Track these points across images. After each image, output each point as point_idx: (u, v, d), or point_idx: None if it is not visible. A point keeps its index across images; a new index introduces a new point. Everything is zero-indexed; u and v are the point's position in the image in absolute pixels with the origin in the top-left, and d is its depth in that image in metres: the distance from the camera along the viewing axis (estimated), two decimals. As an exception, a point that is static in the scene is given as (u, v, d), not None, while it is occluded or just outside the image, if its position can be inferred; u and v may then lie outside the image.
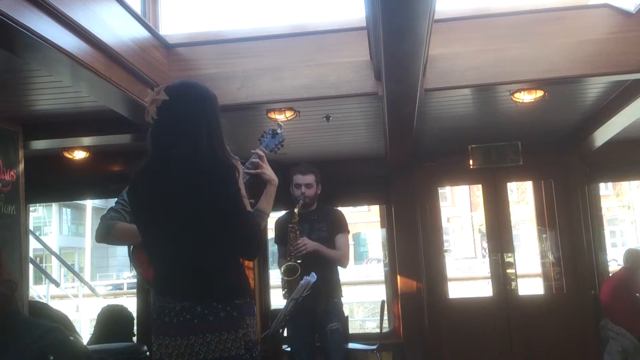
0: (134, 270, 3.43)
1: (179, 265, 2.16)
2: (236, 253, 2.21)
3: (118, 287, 24.01)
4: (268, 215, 2.75)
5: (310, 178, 4.51)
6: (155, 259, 2.27)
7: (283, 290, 4.36)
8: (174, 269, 2.17)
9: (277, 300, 4.85)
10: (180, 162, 2.14)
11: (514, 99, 4.46)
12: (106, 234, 3.28)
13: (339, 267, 4.54)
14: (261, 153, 2.77)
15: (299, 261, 4.26)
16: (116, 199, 3.42)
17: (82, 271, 24.99)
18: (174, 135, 2.19)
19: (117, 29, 3.53)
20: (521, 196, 26.71)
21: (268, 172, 2.74)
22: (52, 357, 1.18)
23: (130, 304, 6.92)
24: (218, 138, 2.22)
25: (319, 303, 4.26)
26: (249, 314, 2.16)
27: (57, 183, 6.30)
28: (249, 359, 2.11)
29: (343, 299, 4.62)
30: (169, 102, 2.19)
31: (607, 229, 23.51)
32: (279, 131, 3.05)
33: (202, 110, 2.23)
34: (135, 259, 3.35)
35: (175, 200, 2.14)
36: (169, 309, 2.11)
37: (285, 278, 4.30)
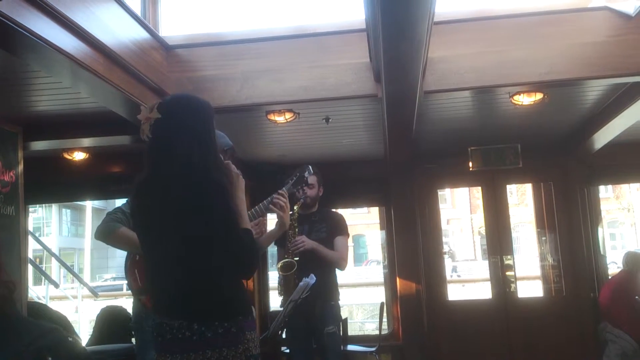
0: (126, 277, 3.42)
1: (174, 284, 2.15)
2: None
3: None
4: (262, 251, 2.84)
5: (312, 179, 4.50)
6: (152, 277, 2.27)
7: (279, 287, 4.36)
8: (169, 288, 2.16)
9: (276, 302, 4.85)
10: (174, 183, 2.13)
11: (513, 101, 4.47)
12: (106, 234, 3.26)
13: (336, 270, 4.54)
14: (285, 197, 2.92)
15: (297, 258, 4.26)
16: (126, 199, 3.38)
17: (81, 272, 24.96)
18: (168, 155, 2.17)
19: (116, 30, 3.53)
20: (521, 198, 26.74)
21: (286, 217, 2.93)
22: (50, 358, 1.18)
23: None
24: (211, 154, 2.20)
25: (316, 305, 4.26)
26: (249, 328, 2.14)
27: (57, 184, 6.30)
28: None
29: (342, 301, 4.62)
30: (162, 120, 2.18)
31: (607, 232, 23.52)
32: (306, 176, 3.19)
33: (194, 126, 2.20)
34: (128, 267, 3.34)
35: (169, 220, 2.13)
36: (170, 326, 2.10)
37: (281, 273, 4.31)
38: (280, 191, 3.05)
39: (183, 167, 2.12)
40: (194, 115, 2.23)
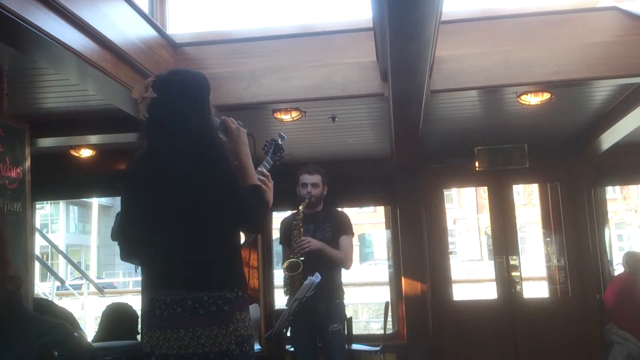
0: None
1: (172, 255, 2.17)
2: (233, 243, 2.24)
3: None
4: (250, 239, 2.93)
5: (316, 178, 4.50)
6: (147, 252, 2.27)
7: (284, 286, 4.37)
8: (166, 259, 2.18)
9: (281, 300, 4.86)
10: (174, 159, 2.19)
11: (520, 101, 4.46)
12: None
13: (342, 269, 4.54)
14: (266, 172, 2.87)
15: (302, 258, 4.27)
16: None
17: (88, 269, 25.11)
18: (166, 133, 2.22)
19: (124, 28, 3.55)
20: (528, 198, 26.62)
21: (269, 193, 2.87)
22: (56, 353, 1.18)
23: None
24: (207, 127, 2.25)
25: (320, 304, 4.27)
26: (241, 308, 2.16)
27: (64, 181, 6.32)
28: (239, 353, 2.10)
29: (347, 300, 4.63)
30: (158, 99, 2.22)
31: (614, 233, 23.40)
32: (279, 142, 3.18)
33: (189, 102, 2.24)
34: None
35: (171, 195, 2.17)
36: (160, 301, 2.12)
37: (287, 273, 4.32)
38: (259, 169, 3.06)
39: (181, 142, 2.19)
40: (187, 91, 2.27)
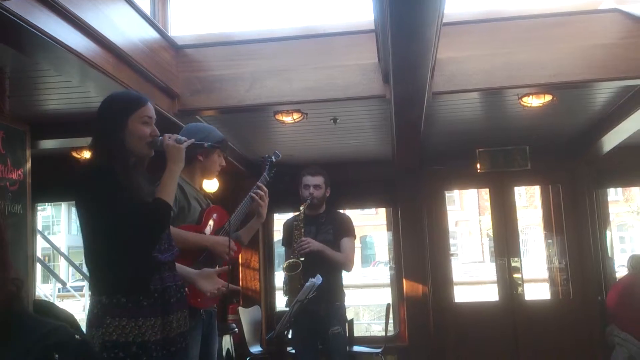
0: None
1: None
2: (120, 251, 2.25)
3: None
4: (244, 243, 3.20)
5: (319, 179, 4.49)
6: None
7: (284, 286, 4.36)
8: None
9: (283, 302, 4.85)
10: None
11: (522, 103, 4.45)
12: None
13: (343, 271, 4.53)
14: (265, 189, 3.07)
15: (302, 259, 4.26)
16: None
17: (89, 271, 25.03)
18: None
19: (126, 29, 3.55)
20: (530, 200, 26.62)
21: (264, 209, 3.09)
22: (57, 356, 1.18)
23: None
24: (98, 147, 2.36)
25: (321, 306, 4.26)
26: (114, 315, 2.16)
27: (66, 183, 6.31)
28: (106, 358, 2.14)
29: (348, 302, 4.61)
30: None
31: (616, 235, 23.38)
32: (274, 159, 3.31)
33: (95, 125, 2.38)
34: None
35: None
36: None
37: (287, 273, 4.31)
38: (258, 183, 3.18)
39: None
40: (99, 114, 2.37)
